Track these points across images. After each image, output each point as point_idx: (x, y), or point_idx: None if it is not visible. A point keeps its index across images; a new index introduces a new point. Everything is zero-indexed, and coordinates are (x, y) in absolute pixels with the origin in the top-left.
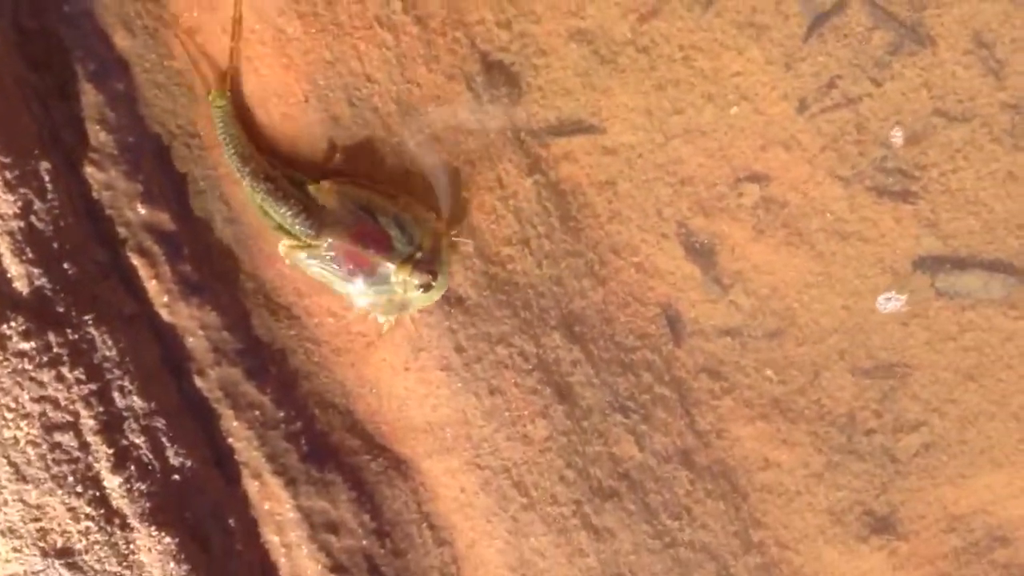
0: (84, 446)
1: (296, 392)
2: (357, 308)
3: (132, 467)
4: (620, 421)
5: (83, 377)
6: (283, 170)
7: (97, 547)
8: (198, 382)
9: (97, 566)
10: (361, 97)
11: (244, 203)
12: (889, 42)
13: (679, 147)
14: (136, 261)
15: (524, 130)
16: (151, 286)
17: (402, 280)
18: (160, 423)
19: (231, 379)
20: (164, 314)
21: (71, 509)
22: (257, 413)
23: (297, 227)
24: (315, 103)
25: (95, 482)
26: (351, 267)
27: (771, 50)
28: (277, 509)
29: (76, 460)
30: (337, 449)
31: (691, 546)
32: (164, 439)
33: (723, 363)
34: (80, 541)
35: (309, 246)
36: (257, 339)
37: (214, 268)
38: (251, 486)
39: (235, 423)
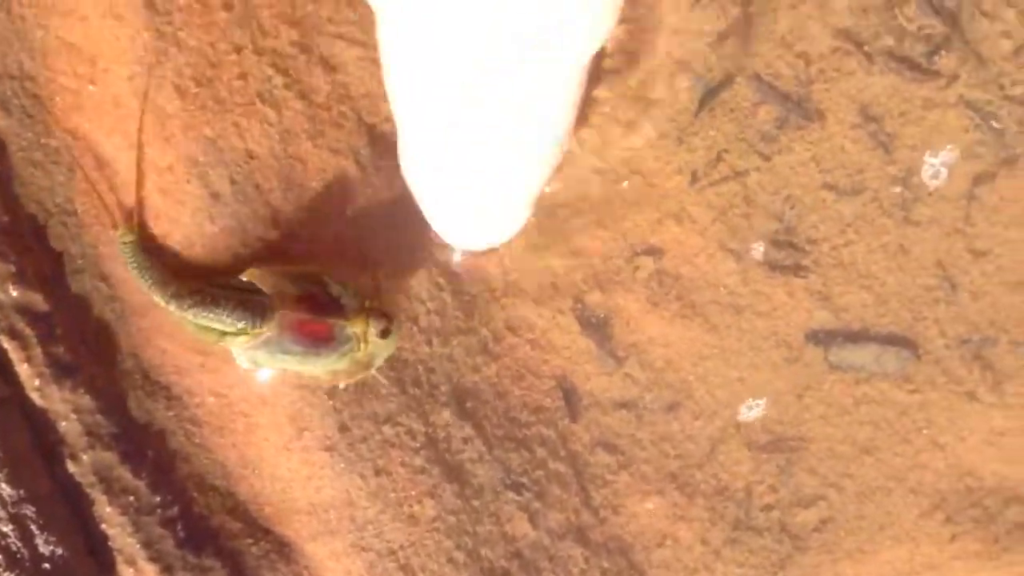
0: None
1: (174, 475)
2: (324, 382)
3: (0, 556)
4: (513, 499)
5: None
6: (203, 280)
7: None
8: (71, 467)
9: None
10: (243, 174)
11: (123, 279)
12: (776, 116)
13: (572, 220)
14: (7, 344)
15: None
16: (22, 369)
17: (361, 332)
18: (30, 510)
19: (105, 463)
20: (36, 398)
21: None
22: (132, 498)
23: (242, 322)
24: (196, 181)
25: None
26: (310, 340)
27: (663, 124)
28: None
29: None
30: (217, 533)
31: None
32: (34, 527)
33: (620, 436)
34: None
35: (262, 336)
36: (133, 421)
37: (90, 348)
38: (126, 574)
39: (108, 509)
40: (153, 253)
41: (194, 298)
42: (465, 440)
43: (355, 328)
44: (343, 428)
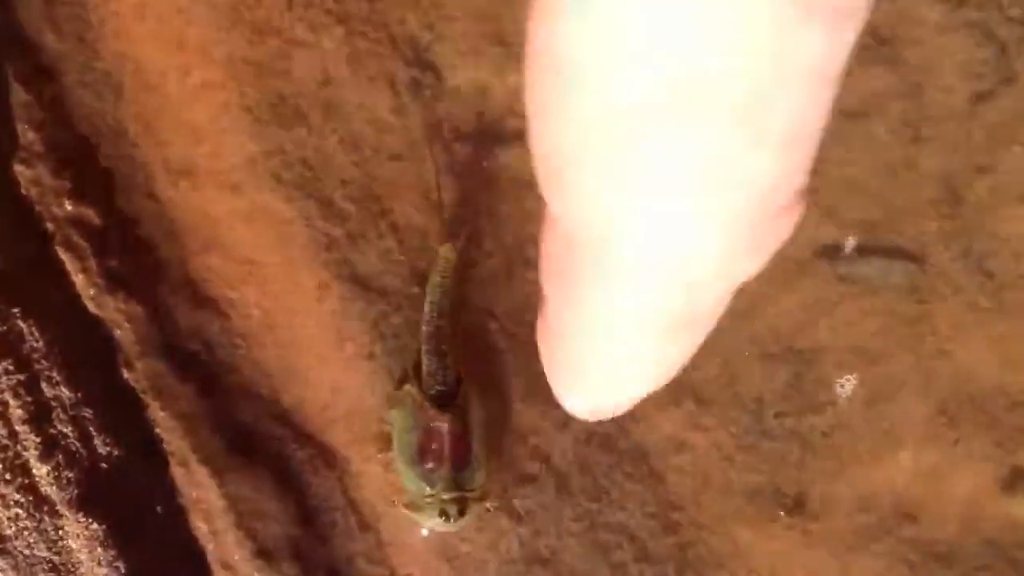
0: (12, 435)
1: (221, 384)
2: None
3: (60, 455)
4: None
5: (11, 368)
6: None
7: (26, 533)
8: (125, 373)
9: (26, 551)
10: None
11: (171, 198)
12: None
13: None
14: (63, 255)
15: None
16: (78, 280)
17: (440, 498)
18: (87, 412)
19: (156, 371)
20: (91, 307)
21: (1, 496)
22: (182, 404)
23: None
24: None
25: (24, 470)
26: (423, 454)
27: None
28: (204, 497)
29: (5, 448)
30: (263, 439)
31: (609, 528)
32: (91, 428)
33: None
34: (10, 528)
35: (427, 414)
36: (182, 332)
37: (140, 262)
38: (178, 474)
39: (161, 413)
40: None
41: (442, 336)
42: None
43: (440, 489)
44: (383, 338)
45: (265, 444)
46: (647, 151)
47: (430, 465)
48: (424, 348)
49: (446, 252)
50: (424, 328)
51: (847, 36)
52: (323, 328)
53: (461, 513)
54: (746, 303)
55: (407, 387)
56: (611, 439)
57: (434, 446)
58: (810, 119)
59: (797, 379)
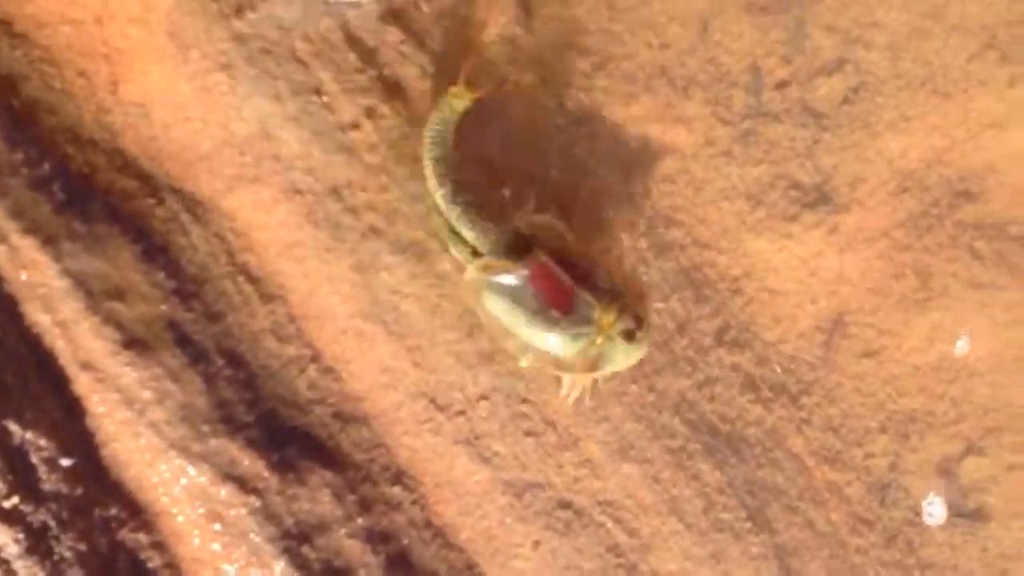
0: None
1: (38, 128)
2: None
3: None
4: None
5: None
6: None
7: None
8: None
9: None
10: None
11: None
12: None
13: None
14: None
15: None
16: None
17: (605, 323)
18: None
19: None
20: None
21: None
22: None
23: (499, 248)
24: None
25: None
26: (549, 298)
27: None
28: (38, 279)
29: None
30: (107, 194)
31: None
32: None
33: (588, 31)
34: None
35: (505, 273)
36: None
37: None
38: None
39: None
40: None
41: (467, 198)
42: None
43: (601, 315)
44: (238, 39)
45: (109, 200)
46: None
47: (568, 311)
48: (456, 214)
49: (456, 95)
50: (449, 203)
51: None
52: (157, 35)
53: (638, 317)
54: None
55: (470, 266)
56: (572, 146)
57: (554, 291)
58: None
59: (798, 31)
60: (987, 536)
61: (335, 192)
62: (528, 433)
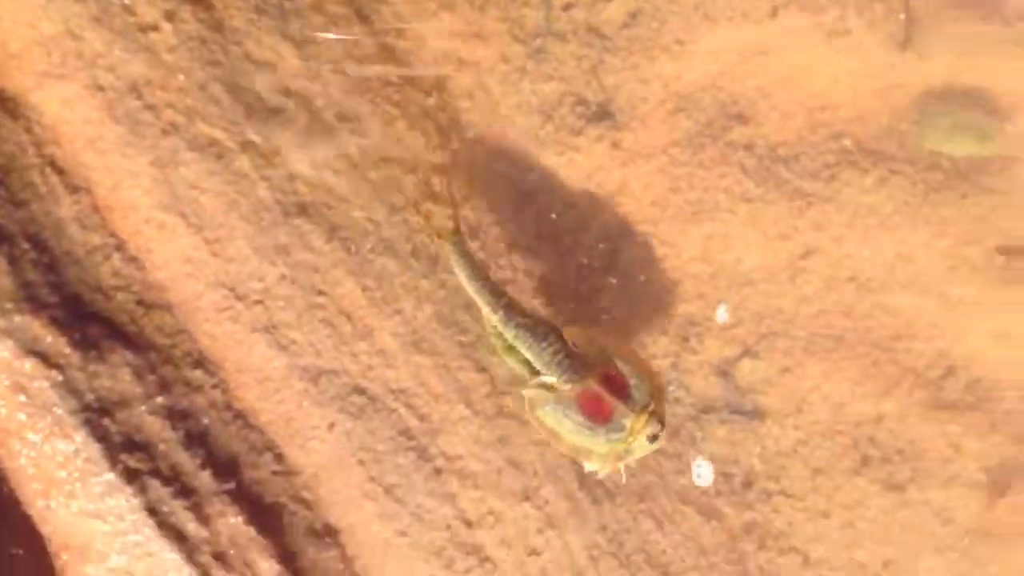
0: None
1: None
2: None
3: None
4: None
5: None
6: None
7: None
8: None
9: None
10: None
11: None
12: None
13: None
14: None
15: None
16: None
17: (635, 428)
18: None
19: None
20: None
21: None
22: None
23: (557, 369)
24: None
25: None
26: (592, 416)
27: None
28: None
29: None
30: None
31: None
32: None
33: None
34: None
35: (559, 391)
36: None
37: None
38: None
39: None
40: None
41: (524, 321)
42: None
43: (633, 423)
44: None
45: None
46: None
47: (607, 419)
48: (523, 339)
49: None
50: (504, 325)
51: None
52: None
53: (661, 423)
54: None
55: (530, 386)
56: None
57: (597, 408)
58: None
59: None
60: (765, 434)
61: (135, 90)
62: (324, 323)
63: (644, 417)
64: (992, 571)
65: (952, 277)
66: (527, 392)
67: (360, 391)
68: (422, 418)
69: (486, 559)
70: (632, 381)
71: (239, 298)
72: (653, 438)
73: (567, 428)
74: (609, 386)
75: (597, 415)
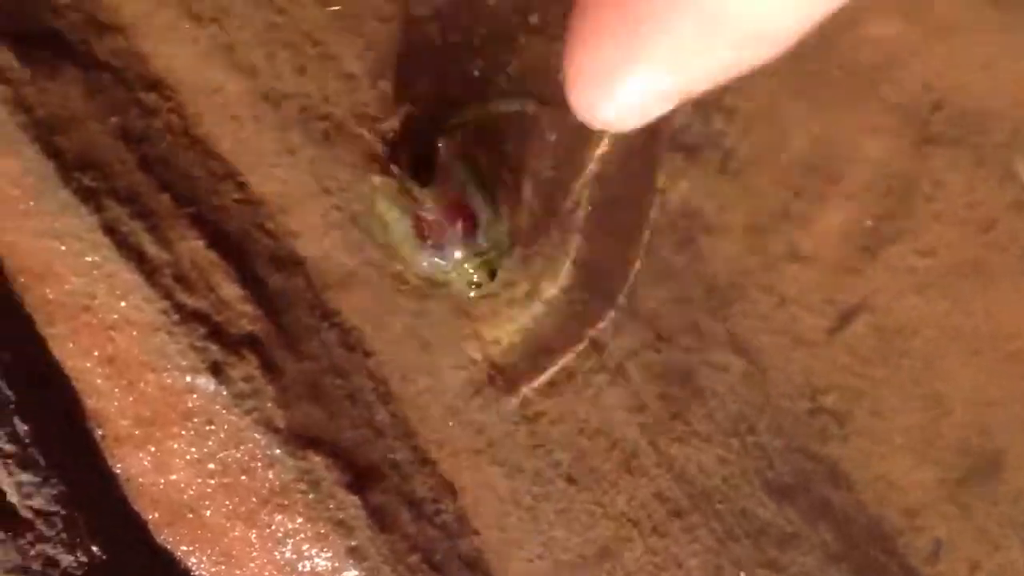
0: None
1: None
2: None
3: None
4: None
5: None
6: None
7: None
8: None
9: None
10: None
11: None
12: None
13: None
14: None
15: None
16: None
17: (460, 270)
18: None
19: None
20: None
21: None
22: None
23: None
24: None
25: None
26: (420, 232)
27: None
28: None
29: None
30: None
31: None
32: None
33: None
34: None
35: (409, 194)
36: None
37: None
38: None
39: None
40: None
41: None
42: None
43: (460, 262)
44: None
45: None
46: None
47: (438, 243)
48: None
49: None
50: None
51: None
52: None
53: (492, 275)
54: None
55: (374, 177)
56: None
57: (432, 224)
58: None
59: None
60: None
61: None
62: (284, 45)
63: (476, 262)
64: (976, 307)
65: None
66: (375, 178)
67: (324, 117)
68: (383, 137)
69: None
70: (484, 217)
71: (194, 18)
72: (477, 286)
73: (398, 230)
74: (450, 216)
75: (428, 236)
